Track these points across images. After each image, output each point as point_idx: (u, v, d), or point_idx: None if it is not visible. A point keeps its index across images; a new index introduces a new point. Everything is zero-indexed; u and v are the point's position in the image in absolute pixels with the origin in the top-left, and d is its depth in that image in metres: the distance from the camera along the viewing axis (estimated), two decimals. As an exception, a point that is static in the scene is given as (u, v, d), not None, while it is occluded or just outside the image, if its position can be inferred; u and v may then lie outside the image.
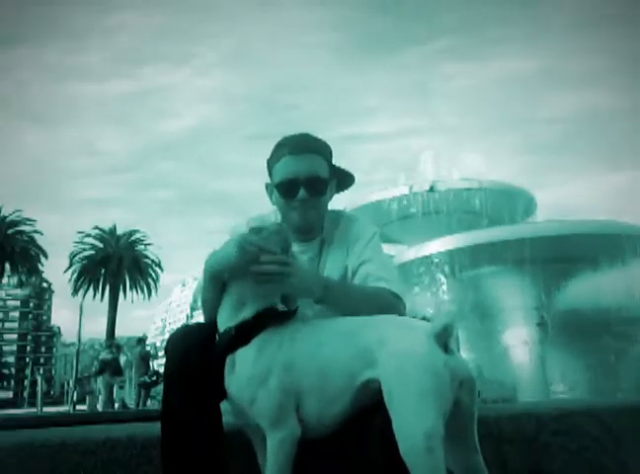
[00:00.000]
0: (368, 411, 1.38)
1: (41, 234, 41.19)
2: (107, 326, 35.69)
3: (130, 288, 38.85)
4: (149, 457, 1.76)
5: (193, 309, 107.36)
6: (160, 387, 12.17)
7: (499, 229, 7.79)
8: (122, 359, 13.50)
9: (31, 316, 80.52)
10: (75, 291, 37.65)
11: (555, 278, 7.59)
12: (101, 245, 38.82)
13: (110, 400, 12.64)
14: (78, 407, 15.28)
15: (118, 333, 37.29)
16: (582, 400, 3.37)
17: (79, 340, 18.91)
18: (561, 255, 7.22)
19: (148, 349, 15.04)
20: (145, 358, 13.12)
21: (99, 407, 12.98)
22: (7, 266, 39.59)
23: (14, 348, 78.42)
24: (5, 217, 39.88)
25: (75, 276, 37.80)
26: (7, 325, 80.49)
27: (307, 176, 1.66)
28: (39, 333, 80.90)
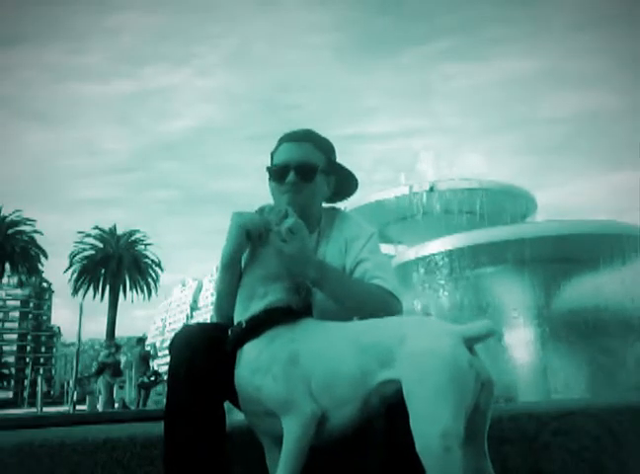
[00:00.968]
0: (378, 414, 1.37)
1: (42, 234, 41.26)
2: (107, 326, 35.69)
3: (130, 288, 38.88)
4: (149, 457, 1.75)
5: (193, 309, 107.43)
6: (160, 387, 12.18)
7: (499, 229, 7.77)
8: (122, 359, 13.49)
9: (31, 316, 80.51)
10: (75, 291, 37.68)
11: (555, 278, 7.59)
12: (101, 245, 38.82)
13: (110, 400, 12.63)
14: (78, 407, 15.28)
15: (118, 333, 37.30)
16: (582, 400, 3.37)
17: (79, 340, 18.90)
18: (561, 255, 7.21)
19: (148, 349, 15.03)
20: (145, 358, 13.11)
21: (99, 407, 12.98)
22: (7, 266, 39.60)
23: (14, 348, 78.42)
24: (5, 217, 39.88)
25: (75, 276, 37.82)
26: (7, 325, 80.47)
27: (298, 161, 1.71)
28: (39, 333, 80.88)
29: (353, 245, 1.72)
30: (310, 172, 1.72)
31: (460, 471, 1.18)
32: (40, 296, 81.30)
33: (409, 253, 8.04)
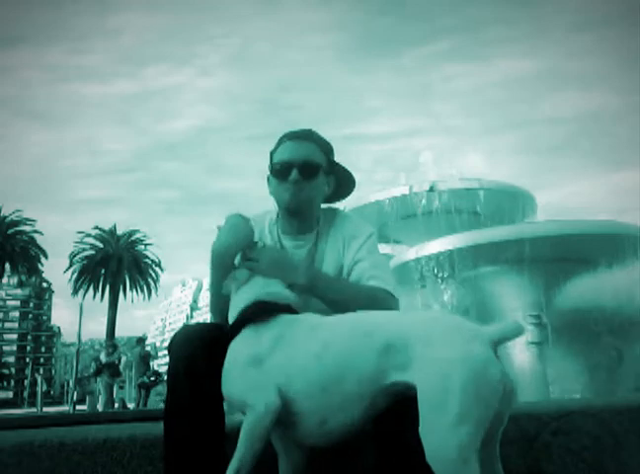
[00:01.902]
0: (380, 414, 1.33)
1: (42, 234, 41.25)
2: (107, 326, 35.71)
3: (130, 288, 38.90)
4: (149, 457, 1.76)
5: (193, 309, 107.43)
6: (160, 387, 12.17)
7: (499, 229, 7.77)
8: (122, 359, 13.49)
9: (31, 316, 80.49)
10: (75, 291, 37.70)
11: (555, 278, 7.58)
12: (101, 245, 38.84)
13: (109, 400, 12.63)
14: (78, 407, 15.28)
15: (118, 333, 37.35)
16: (582, 400, 3.37)
17: (79, 340, 18.89)
18: (561, 255, 7.21)
19: (148, 349, 15.03)
20: (145, 359, 13.11)
21: (99, 407, 12.98)
22: (7, 266, 39.60)
23: (14, 348, 78.42)
24: (5, 217, 39.88)
25: (75, 276, 37.84)
26: (7, 325, 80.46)
27: (301, 159, 1.72)
28: (39, 333, 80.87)
29: (351, 244, 1.73)
30: (313, 170, 1.73)
31: None
32: (39, 296, 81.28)
33: (409, 253, 8.04)
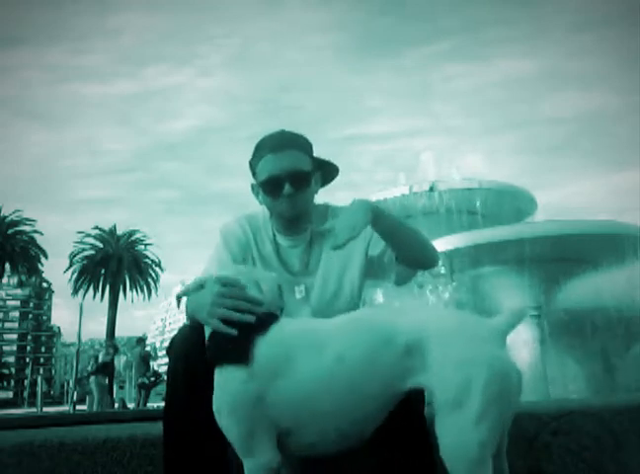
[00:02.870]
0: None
1: (42, 234, 41.25)
2: (107, 326, 35.71)
3: (130, 288, 38.90)
4: (149, 457, 1.76)
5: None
6: (161, 387, 12.16)
7: (499, 229, 7.77)
8: (122, 360, 13.47)
9: (31, 316, 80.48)
10: (75, 291, 37.71)
11: (555, 278, 7.58)
12: (101, 245, 38.84)
13: (103, 400, 12.54)
14: (78, 407, 15.27)
15: (118, 333, 37.36)
16: (582, 400, 3.36)
17: (79, 340, 18.88)
18: (561, 255, 7.21)
19: (148, 349, 15.02)
20: (145, 359, 13.10)
21: (93, 407, 12.94)
22: (7, 266, 39.60)
23: (14, 348, 78.40)
24: (5, 217, 39.88)
25: (75, 276, 37.85)
26: (7, 325, 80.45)
27: (290, 171, 1.68)
28: (39, 333, 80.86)
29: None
30: (304, 180, 1.71)
31: None
32: (40, 296, 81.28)
33: (409, 253, 8.03)
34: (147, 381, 12.33)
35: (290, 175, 1.68)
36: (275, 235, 1.80)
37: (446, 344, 1.22)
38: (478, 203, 8.90)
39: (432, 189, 8.90)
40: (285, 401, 1.26)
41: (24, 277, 48.75)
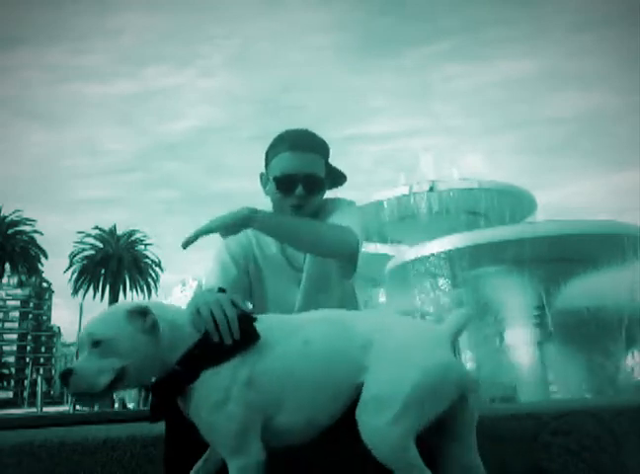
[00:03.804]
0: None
1: (42, 234, 41.24)
2: (107, 326, 35.66)
3: (130, 288, 38.89)
4: (150, 457, 1.76)
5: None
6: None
7: (499, 229, 7.79)
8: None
9: (31, 316, 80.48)
10: (75, 291, 37.71)
11: (555, 278, 7.59)
12: (101, 245, 38.85)
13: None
14: (78, 407, 15.28)
15: (118, 333, 37.23)
16: (582, 400, 3.37)
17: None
18: (561, 255, 7.22)
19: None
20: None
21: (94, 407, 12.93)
22: (7, 266, 39.61)
23: (14, 348, 78.43)
24: (5, 217, 39.89)
25: (75, 275, 37.86)
26: (7, 325, 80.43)
27: (306, 174, 1.71)
28: (39, 333, 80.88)
29: (330, 216, 1.75)
30: (318, 185, 1.75)
31: (421, 465, 1.21)
32: (40, 296, 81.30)
33: (409, 253, 8.05)
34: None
35: (305, 177, 1.71)
36: None
37: (387, 345, 1.30)
38: (478, 203, 8.91)
39: (432, 189, 8.91)
40: (267, 381, 1.28)
41: (24, 277, 48.69)
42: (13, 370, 67.78)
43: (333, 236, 1.63)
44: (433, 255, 7.49)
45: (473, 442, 1.34)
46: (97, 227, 39.64)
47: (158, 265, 40.23)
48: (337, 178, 1.87)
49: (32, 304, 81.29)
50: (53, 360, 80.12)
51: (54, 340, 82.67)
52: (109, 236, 39.31)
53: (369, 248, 10.25)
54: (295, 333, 1.35)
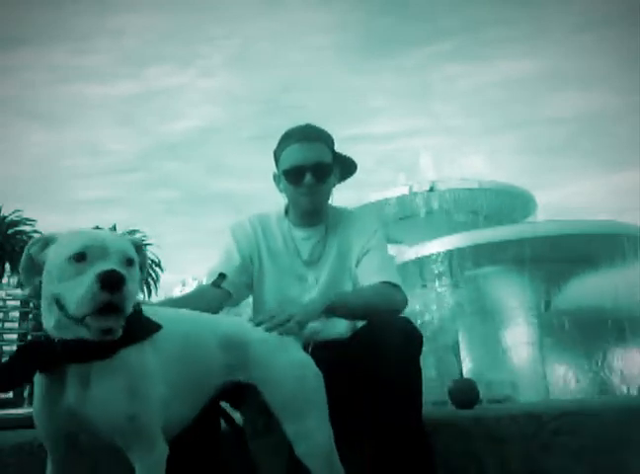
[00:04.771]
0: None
1: (42, 234, 41.28)
2: (107, 326, 35.71)
3: (130, 288, 38.88)
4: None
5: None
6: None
7: (499, 229, 7.78)
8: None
9: (31, 316, 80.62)
10: (75, 291, 37.70)
11: (555, 278, 7.59)
12: (101, 245, 38.86)
13: None
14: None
15: (118, 333, 37.24)
16: (582, 400, 3.37)
17: (79, 340, 18.85)
18: (561, 255, 7.22)
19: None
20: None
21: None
22: (7, 266, 39.61)
23: (14, 348, 78.54)
24: (5, 217, 39.90)
25: (75, 275, 37.86)
26: (7, 325, 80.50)
27: (313, 162, 1.76)
28: (39, 333, 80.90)
29: (359, 237, 1.80)
30: (326, 173, 1.79)
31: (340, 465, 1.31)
32: (40, 296, 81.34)
33: (409, 253, 8.05)
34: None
35: (313, 166, 1.75)
36: (290, 228, 1.86)
37: (266, 344, 1.35)
38: (478, 203, 8.91)
39: (432, 189, 8.91)
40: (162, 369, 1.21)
41: (24, 277, 48.71)
42: (13, 370, 67.84)
43: (381, 302, 1.67)
44: (433, 255, 7.49)
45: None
46: (97, 227, 39.68)
47: (158, 265, 40.19)
48: (347, 166, 1.91)
49: (32, 304, 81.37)
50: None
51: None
52: (109, 236, 39.36)
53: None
54: (170, 324, 1.25)
